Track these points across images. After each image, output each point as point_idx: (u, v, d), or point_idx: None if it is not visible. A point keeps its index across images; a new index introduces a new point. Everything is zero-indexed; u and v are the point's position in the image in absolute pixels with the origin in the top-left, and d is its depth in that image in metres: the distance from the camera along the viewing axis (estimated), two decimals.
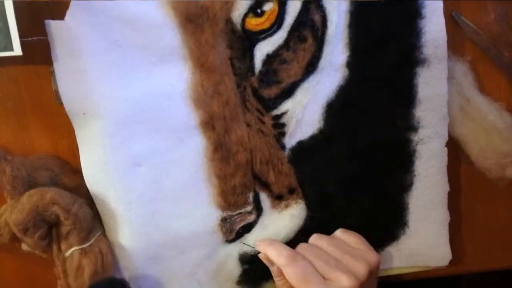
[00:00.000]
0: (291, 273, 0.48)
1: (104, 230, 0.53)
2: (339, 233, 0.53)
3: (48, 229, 0.51)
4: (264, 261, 0.52)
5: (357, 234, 0.53)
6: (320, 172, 0.54)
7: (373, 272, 0.50)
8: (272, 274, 0.53)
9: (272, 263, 0.52)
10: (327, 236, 0.53)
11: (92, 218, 0.52)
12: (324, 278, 0.48)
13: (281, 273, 0.50)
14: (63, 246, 0.51)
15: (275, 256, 0.50)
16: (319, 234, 0.53)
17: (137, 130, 0.51)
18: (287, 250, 0.50)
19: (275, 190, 0.54)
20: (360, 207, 0.55)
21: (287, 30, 0.50)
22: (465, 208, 0.59)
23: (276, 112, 0.52)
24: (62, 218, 0.50)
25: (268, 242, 0.52)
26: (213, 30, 0.49)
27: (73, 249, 0.51)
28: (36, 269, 0.56)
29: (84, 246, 0.51)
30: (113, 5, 0.47)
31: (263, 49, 0.50)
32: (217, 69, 0.50)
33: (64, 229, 0.50)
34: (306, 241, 0.55)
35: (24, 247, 0.53)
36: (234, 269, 0.56)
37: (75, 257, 0.51)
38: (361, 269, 0.48)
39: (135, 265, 0.53)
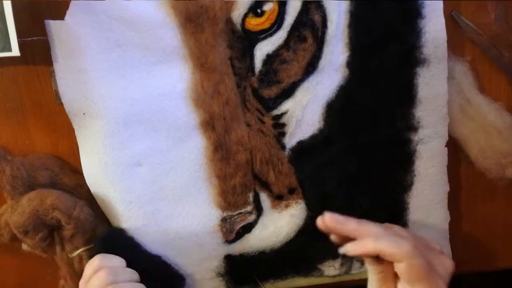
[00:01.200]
0: (417, 265, 0.44)
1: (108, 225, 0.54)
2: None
3: (49, 231, 0.51)
4: (367, 260, 0.46)
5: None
6: (320, 172, 0.54)
7: None
8: (367, 263, 0.46)
9: (368, 255, 0.46)
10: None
11: (95, 218, 0.52)
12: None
13: (379, 262, 0.45)
14: (68, 248, 0.51)
15: (394, 249, 0.44)
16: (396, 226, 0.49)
17: (137, 130, 0.51)
18: (404, 240, 0.44)
19: (275, 190, 0.54)
20: (360, 207, 0.55)
21: (287, 30, 0.50)
22: (465, 208, 0.59)
23: (276, 112, 0.52)
24: (63, 223, 0.50)
25: (374, 236, 0.45)
26: (213, 30, 0.49)
27: (80, 250, 0.51)
28: (36, 269, 0.56)
29: (92, 246, 0.51)
30: (113, 5, 0.47)
31: (263, 49, 0.50)
32: (217, 69, 0.50)
33: (67, 233, 0.50)
34: (306, 240, 0.55)
35: (25, 247, 0.53)
36: (234, 269, 0.56)
37: (85, 257, 0.51)
38: (452, 265, 0.47)
39: None
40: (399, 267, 0.44)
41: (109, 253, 0.50)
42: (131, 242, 0.52)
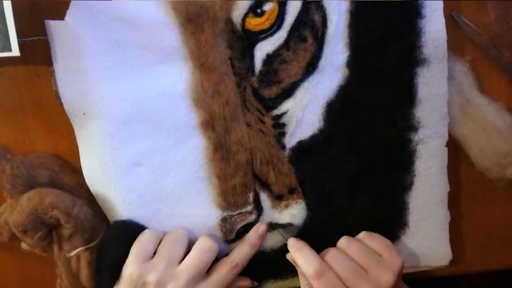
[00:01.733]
0: (318, 286, 0.48)
1: (108, 224, 0.54)
2: (364, 237, 0.53)
3: (48, 230, 0.51)
4: (291, 261, 0.52)
5: (381, 237, 0.53)
6: (320, 172, 0.54)
7: (398, 277, 0.50)
8: (299, 273, 0.53)
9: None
10: (356, 241, 0.52)
11: (94, 218, 0.52)
12: None
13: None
14: (65, 247, 0.51)
15: (304, 265, 0.50)
16: (348, 237, 0.52)
17: (137, 130, 0.51)
18: (316, 261, 0.49)
19: (275, 190, 0.54)
20: (360, 207, 0.55)
21: (287, 30, 0.50)
22: (465, 208, 0.59)
23: (276, 112, 0.52)
24: (62, 222, 0.50)
25: (298, 248, 0.51)
26: (213, 30, 0.49)
27: (78, 249, 0.51)
28: (35, 268, 0.56)
29: (91, 245, 0.51)
30: (113, 5, 0.47)
31: (263, 49, 0.50)
32: (217, 69, 0.50)
33: (66, 232, 0.50)
34: (306, 240, 0.55)
35: (24, 246, 0.53)
36: None
37: (83, 257, 0.51)
38: (389, 280, 0.49)
39: None
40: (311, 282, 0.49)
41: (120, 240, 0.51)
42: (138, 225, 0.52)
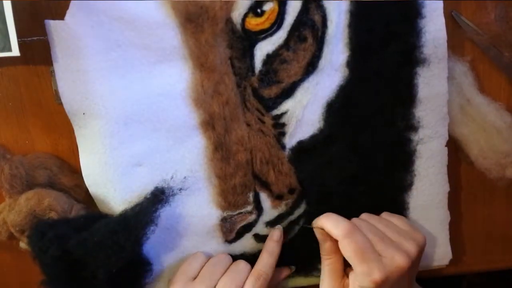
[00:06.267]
0: (348, 245, 0.48)
1: None
2: (385, 215, 0.54)
3: None
4: (318, 235, 0.51)
5: (402, 216, 0.54)
6: (320, 172, 0.54)
7: (420, 251, 0.50)
8: (322, 252, 0.52)
9: (325, 239, 0.51)
10: (377, 216, 0.53)
11: None
12: (378, 254, 0.48)
13: (331, 251, 0.51)
14: None
15: (333, 227, 0.49)
16: (369, 214, 0.54)
17: (137, 130, 0.51)
18: (345, 221, 0.49)
19: (275, 190, 0.54)
20: (360, 207, 0.55)
21: (287, 30, 0.50)
22: (465, 208, 0.59)
23: (276, 112, 0.52)
24: None
25: (325, 215, 0.51)
26: (213, 30, 0.49)
27: None
28: (33, 267, 0.56)
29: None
30: (113, 5, 0.47)
31: (263, 49, 0.50)
32: (217, 69, 0.50)
33: None
34: (306, 240, 0.55)
35: (22, 245, 0.53)
36: None
37: None
38: (412, 249, 0.49)
39: None
40: (339, 244, 0.49)
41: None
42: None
